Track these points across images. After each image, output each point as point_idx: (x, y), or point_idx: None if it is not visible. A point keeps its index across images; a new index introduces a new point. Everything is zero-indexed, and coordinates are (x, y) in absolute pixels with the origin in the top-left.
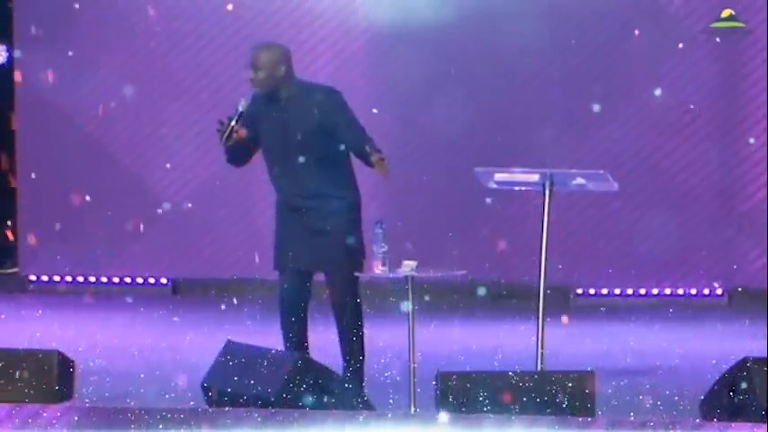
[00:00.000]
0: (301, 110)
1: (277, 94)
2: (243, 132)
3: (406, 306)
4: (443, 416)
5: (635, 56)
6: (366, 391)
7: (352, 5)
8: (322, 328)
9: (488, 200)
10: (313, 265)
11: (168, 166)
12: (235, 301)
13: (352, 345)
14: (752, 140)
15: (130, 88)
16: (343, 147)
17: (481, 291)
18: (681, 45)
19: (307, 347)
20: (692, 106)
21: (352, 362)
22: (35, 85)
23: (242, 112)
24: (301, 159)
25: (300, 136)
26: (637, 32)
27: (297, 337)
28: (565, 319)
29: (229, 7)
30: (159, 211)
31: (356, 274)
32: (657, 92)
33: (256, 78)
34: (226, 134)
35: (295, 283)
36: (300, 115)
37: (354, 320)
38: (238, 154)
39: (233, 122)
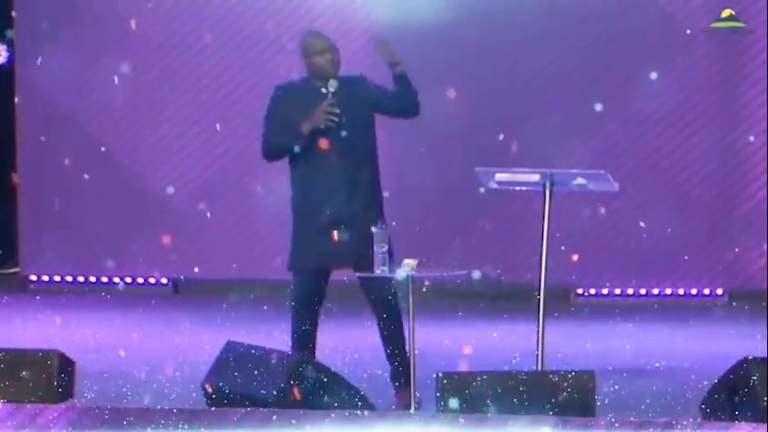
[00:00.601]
0: (349, 102)
1: (334, 77)
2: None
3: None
4: (443, 416)
5: (635, 56)
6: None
7: (352, 5)
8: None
9: (489, 200)
10: (345, 263)
11: (169, 165)
12: (235, 301)
13: (397, 344)
14: (752, 139)
15: (131, 88)
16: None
17: (481, 291)
18: (681, 45)
19: (314, 348)
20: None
21: (399, 361)
22: (36, 84)
23: (334, 93)
24: (343, 154)
25: (348, 129)
26: (637, 32)
27: (307, 338)
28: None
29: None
30: (160, 208)
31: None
32: (657, 92)
33: (334, 59)
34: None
35: (315, 283)
36: (349, 108)
37: (397, 318)
38: (299, 144)
39: (333, 106)
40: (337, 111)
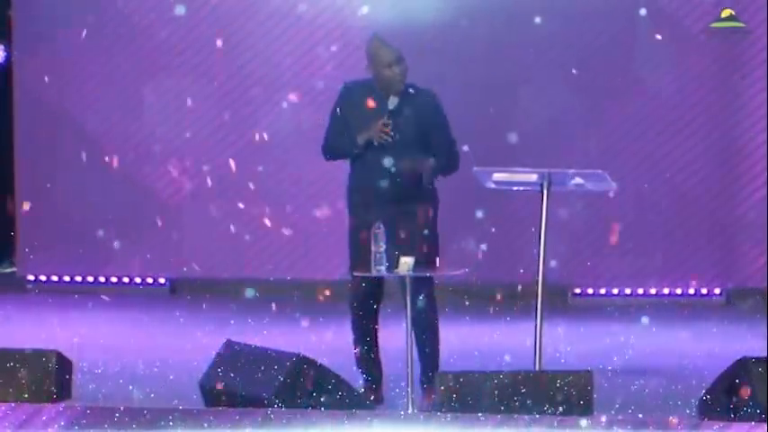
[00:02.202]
0: (411, 109)
1: (398, 92)
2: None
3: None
4: (442, 415)
5: (634, 55)
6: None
7: (352, 5)
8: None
9: (487, 199)
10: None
11: (165, 165)
12: (233, 301)
13: (431, 347)
14: (750, 140)
15: (129, 88)
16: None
17: (479, 291)
18: (680, 45)
19: (377, 351)
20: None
21: (430, 365)
22: (33, 84)
23: (392, 111)
24: (406, 160)
25: (408, 135)
26: (636, 32)
27: (371, 339)
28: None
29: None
30: (158, 208)
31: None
32: (657, 92)
33: (402, 72)
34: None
35: (374, 284)
36: (410, 115)
37: (434, 322)
38: (357, 154)
39: (388, 125)
40: (390, 131)
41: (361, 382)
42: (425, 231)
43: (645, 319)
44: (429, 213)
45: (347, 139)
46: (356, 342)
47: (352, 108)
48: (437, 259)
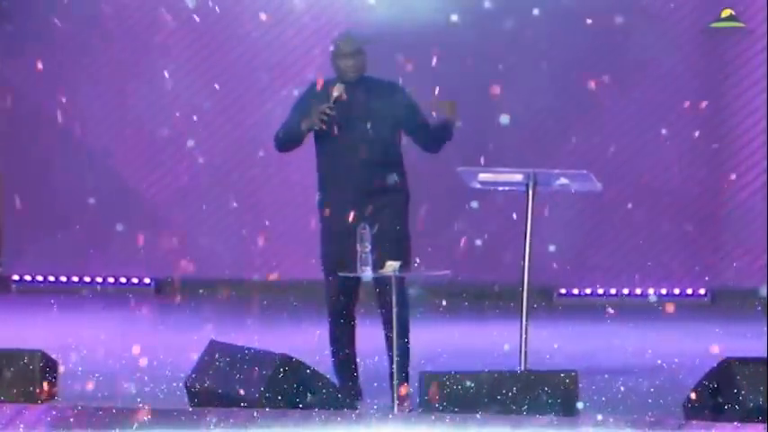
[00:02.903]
0: (377, 103)
1: (357, 84)
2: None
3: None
4: (426, 416)
5: (634, 55)
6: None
7: (351, 5)
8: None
9: (473, 199)
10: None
11: (150, 166)
12: (218, 301)
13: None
14: (736, 140)
15: (114, 88)
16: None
17: (464, 291)
18: (680, 45)
19: (354, 354)
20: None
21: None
22: (18, 83)
23: (337, 97)
24: (372, 153)
25: (375, 130)
26: (632, 32)
27: (348, 341)
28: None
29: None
30: (143, 208)
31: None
32: (644, 92)
33: (355, 64)
34: (324, 120)
35: (348, 284)
36: (376, 108)
37: (407, 319)
38: (298, 141)
39: (332, 110)
40: (332, 113)
41: (337, 383)
42: (397, 227)
43: (630, 319)
44: (400, 207)
45: (292, 125)
46: (333, 343)
47: (310, 101)
48: (410, 254)
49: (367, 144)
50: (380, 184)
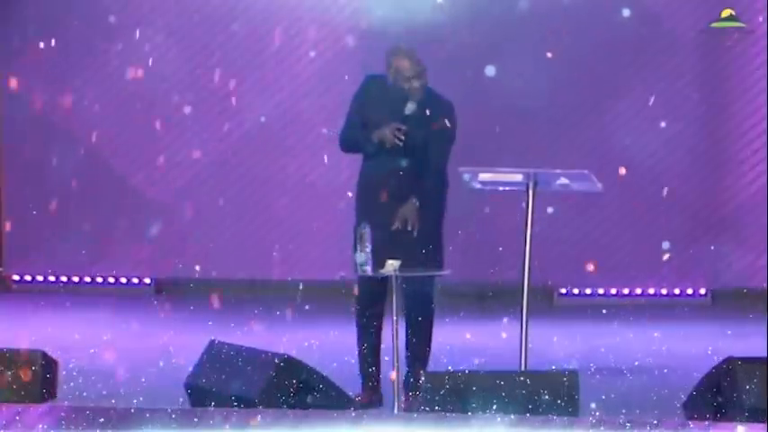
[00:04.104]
0: (427, 116)
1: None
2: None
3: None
4: (427, 415)
5: (633, 55)
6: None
7: (351, 5)
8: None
9: (474, 199)
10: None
11: (151, 166)
12: (218, 301)
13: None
14: (736, 141)
15: (113, 88)
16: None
17: (464, 291)
18: (679, 45)
19: (379, 352)
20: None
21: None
22: (18, 87)
23: (408, 116)
24: (414, 161)
25: (418, 140)
26: (632, 33)
27: (375, 339)
28: None
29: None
30: (143, 208)
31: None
32: (643, 92)
33: (422, 86)
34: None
35: (382, 283)
36: (424, 121)
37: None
38: (370, 152)
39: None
40: (403, 136)
41: (361, 382)
42: (430, 231)
43: (630, 320)
44: (435, 214)
45: (362, 135)
46: (360, 342)
47: (371, 102)
48: (442, 259)
49: (414, 155)
50: (419, 190)
